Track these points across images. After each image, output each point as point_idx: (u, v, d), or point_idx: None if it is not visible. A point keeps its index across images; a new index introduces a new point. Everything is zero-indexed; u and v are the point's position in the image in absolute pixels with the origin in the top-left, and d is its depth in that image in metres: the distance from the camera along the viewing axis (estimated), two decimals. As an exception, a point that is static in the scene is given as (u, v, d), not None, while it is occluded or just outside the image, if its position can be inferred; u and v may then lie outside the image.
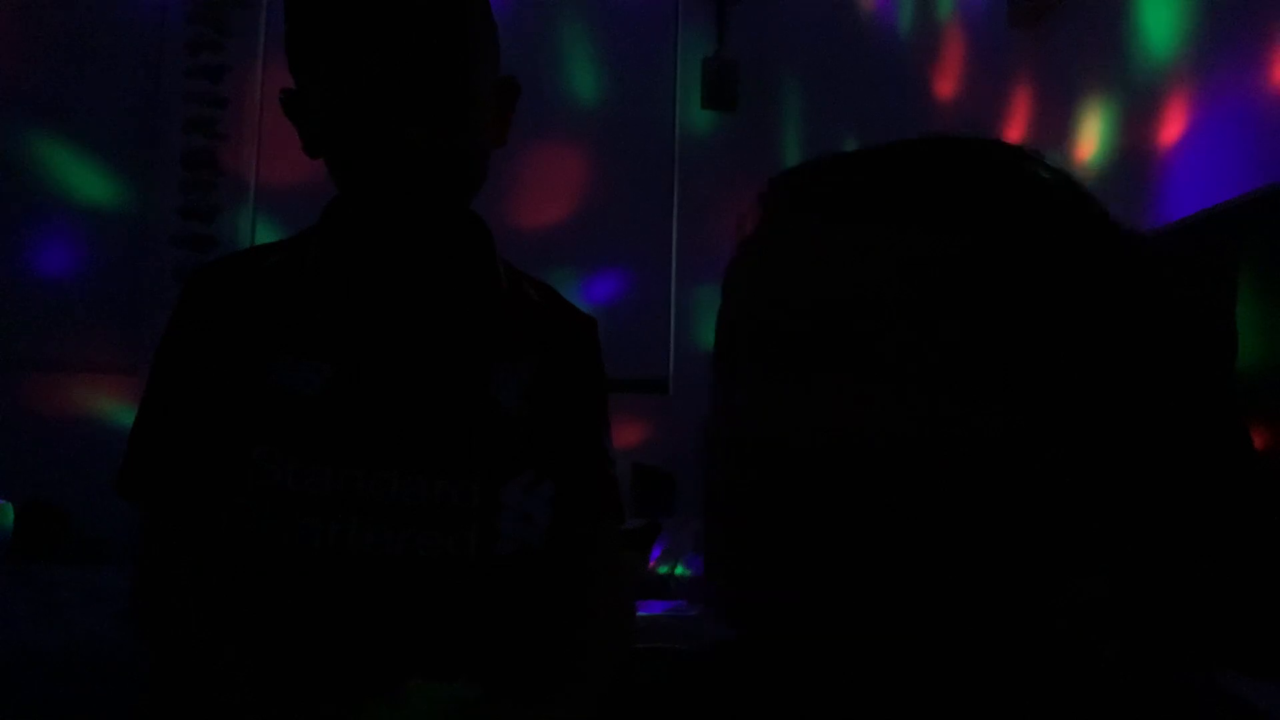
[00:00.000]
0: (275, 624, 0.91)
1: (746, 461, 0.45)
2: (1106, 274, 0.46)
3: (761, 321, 0.47)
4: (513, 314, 1.02)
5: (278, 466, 0.91)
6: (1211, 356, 0.47)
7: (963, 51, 3.29)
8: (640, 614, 2.13)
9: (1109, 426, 0.44)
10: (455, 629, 0.94)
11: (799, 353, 0.45)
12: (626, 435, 2.68)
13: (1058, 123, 2.72)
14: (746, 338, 0.47)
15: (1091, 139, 2.53)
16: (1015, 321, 0.44)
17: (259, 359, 0.94)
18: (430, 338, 0.98)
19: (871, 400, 0.43)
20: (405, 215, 0.96)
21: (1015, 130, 3.06)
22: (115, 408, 2.91)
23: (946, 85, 3.29)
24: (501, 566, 0.95)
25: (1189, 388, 0.46)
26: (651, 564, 2.63)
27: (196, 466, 0.93)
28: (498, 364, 0.99)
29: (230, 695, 0.89)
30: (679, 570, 2.60)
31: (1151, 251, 0.48)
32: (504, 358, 0.99)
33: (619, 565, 1.10)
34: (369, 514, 0.91)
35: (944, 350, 0.43)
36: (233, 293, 0.97)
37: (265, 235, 3.01)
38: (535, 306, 1.05)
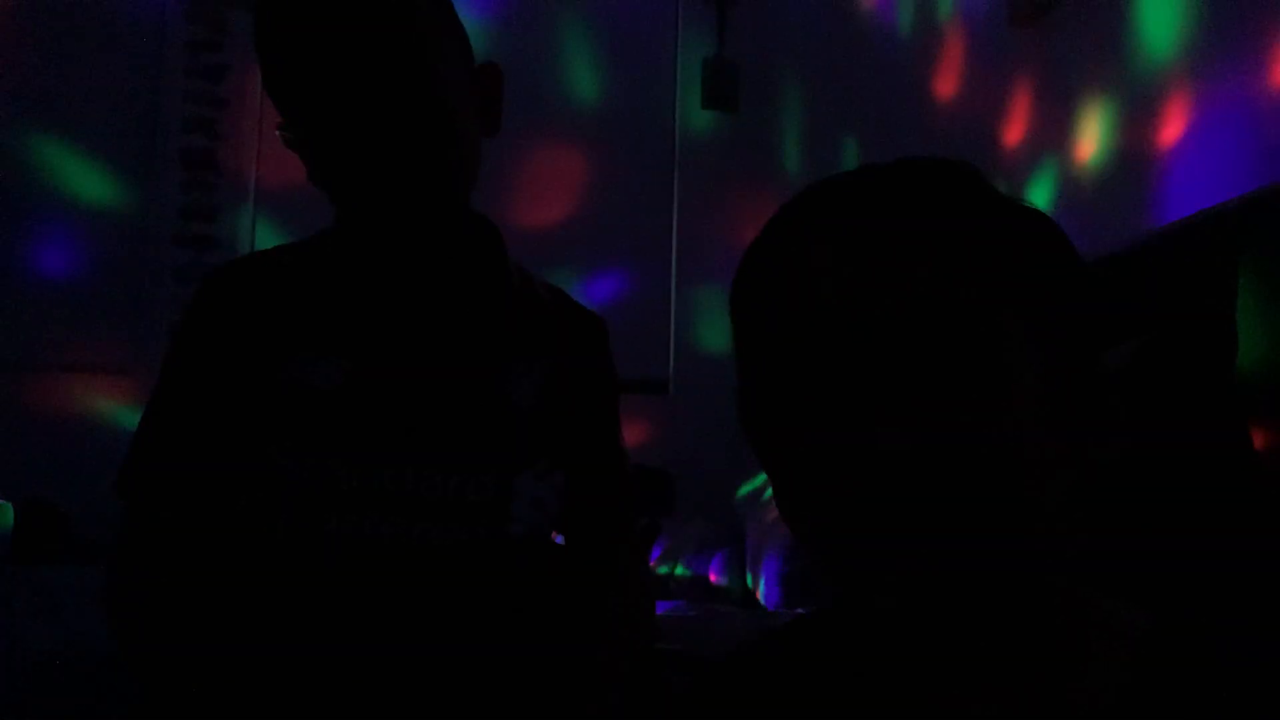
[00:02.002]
0: (291, 617, 0.92)
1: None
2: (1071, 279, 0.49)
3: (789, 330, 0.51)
4: (524, 313, 1.03)
5: (294, 461, 0.92)
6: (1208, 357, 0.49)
7: (963, 51, 3.29)
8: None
9: (1096, 418, 0.46)
10: (471, 616, 0.94)
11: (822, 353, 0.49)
12: (627, 435, 2.68)
13: (1058, 123, 2.72)
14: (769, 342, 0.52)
15: (1091, 139, 2.53)
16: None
17: (275, 356, 0.94)
18: (444, 334, 0.99)
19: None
20: (412, 216, 0.97)
21: (1015, 130, 3.06)
22: (115, 408, 2.91)
23: (946, 85, 3.29)
24: (513, 550, 0.96)
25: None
26: (651, 564, 2.63)
27: (206, 465, 0.94)
28: (510, 360, 1.00)
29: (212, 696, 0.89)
30: (679, 570, 2.60)
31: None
32: (517, 355, 1.00)
33: (637, 558, 1.11)
34: (385, 507, 0.92)
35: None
36: (249, 293, 0.98)
37: (265, 235, 3.00)
38: (546, 306, 1.06)
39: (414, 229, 0.98)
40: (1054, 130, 2.73)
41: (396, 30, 0.90)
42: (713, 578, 2.55)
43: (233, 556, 0.93)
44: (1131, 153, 2.32)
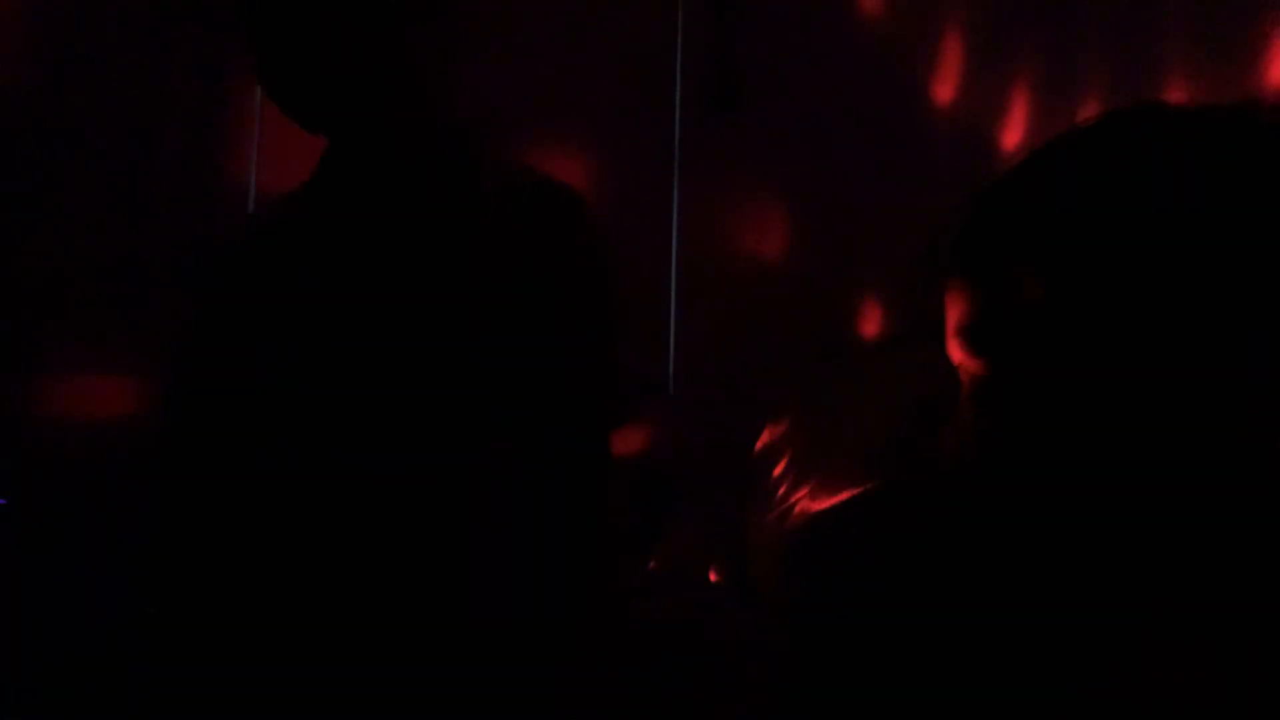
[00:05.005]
0: (262, 562, 0.94)
1: None
2: None
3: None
4: (492, 242, 1.02)
5: (249, 404, 0.94)
6: None
7: (962, 51, 3.29)
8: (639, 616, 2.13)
9: None
10: (434, 567, 0.94)
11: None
12: (626, 436, 2.67)
13: (1058, 123, 2.72)
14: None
15: (1091, 139, 2.53)
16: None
17: (242, 301, 0.98)
18: (405, 267, 0.99)
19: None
20: (356, 150, 0.98)
21: (1015, 130, 3.06)
22: (115, 408, 2.91)
23: (946, 85, 3.29)
24: (471, 516, 0.95)
25: None
26: (651, 565, 2.63)
27: (203, 401, 0.99)
28: (474, 304, 0.98)
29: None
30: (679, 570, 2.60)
31: None
32: (481, 296, 0.99)
33: (598, 467, 1.07)
34: (338, 449, 0.93)
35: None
36: (226, 250, 1.07)
37: (265, 235, 3.00)
38: (515, 222, 1.03)
39: (360, 149, 0.98)
40: (1054, 130, 2.72)
41: None
42: (713, 578, 2.55)
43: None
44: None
